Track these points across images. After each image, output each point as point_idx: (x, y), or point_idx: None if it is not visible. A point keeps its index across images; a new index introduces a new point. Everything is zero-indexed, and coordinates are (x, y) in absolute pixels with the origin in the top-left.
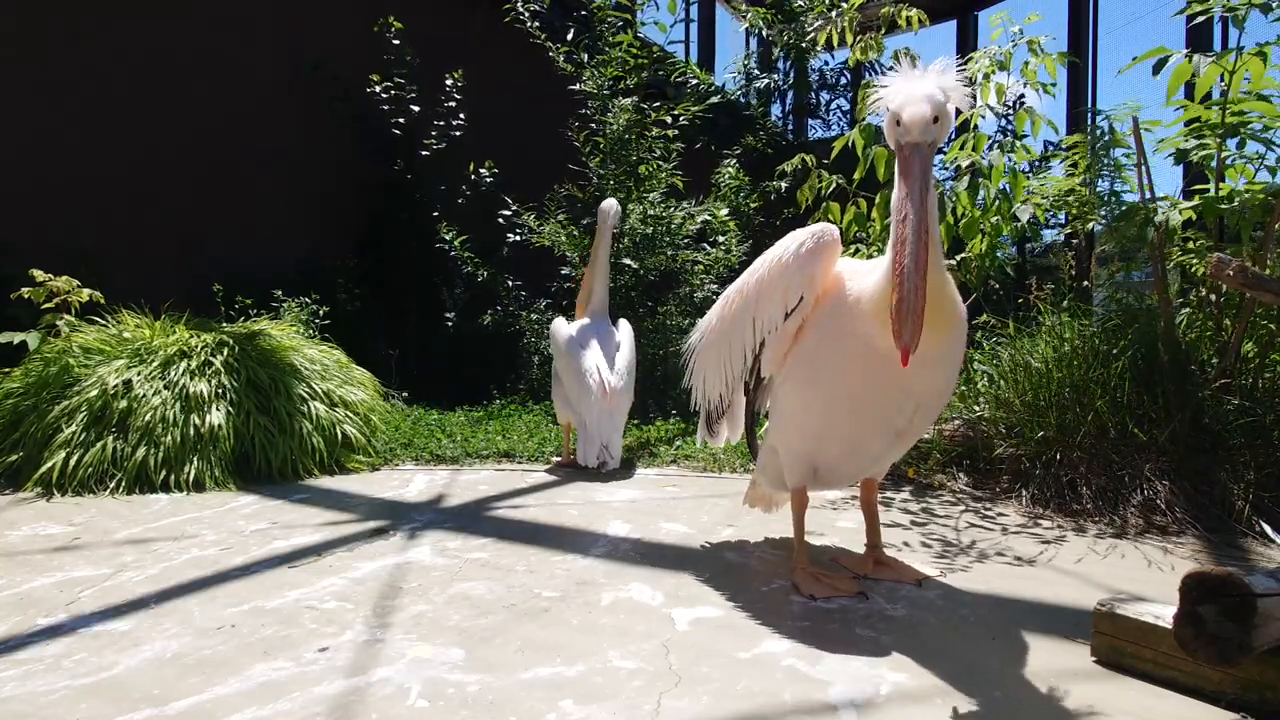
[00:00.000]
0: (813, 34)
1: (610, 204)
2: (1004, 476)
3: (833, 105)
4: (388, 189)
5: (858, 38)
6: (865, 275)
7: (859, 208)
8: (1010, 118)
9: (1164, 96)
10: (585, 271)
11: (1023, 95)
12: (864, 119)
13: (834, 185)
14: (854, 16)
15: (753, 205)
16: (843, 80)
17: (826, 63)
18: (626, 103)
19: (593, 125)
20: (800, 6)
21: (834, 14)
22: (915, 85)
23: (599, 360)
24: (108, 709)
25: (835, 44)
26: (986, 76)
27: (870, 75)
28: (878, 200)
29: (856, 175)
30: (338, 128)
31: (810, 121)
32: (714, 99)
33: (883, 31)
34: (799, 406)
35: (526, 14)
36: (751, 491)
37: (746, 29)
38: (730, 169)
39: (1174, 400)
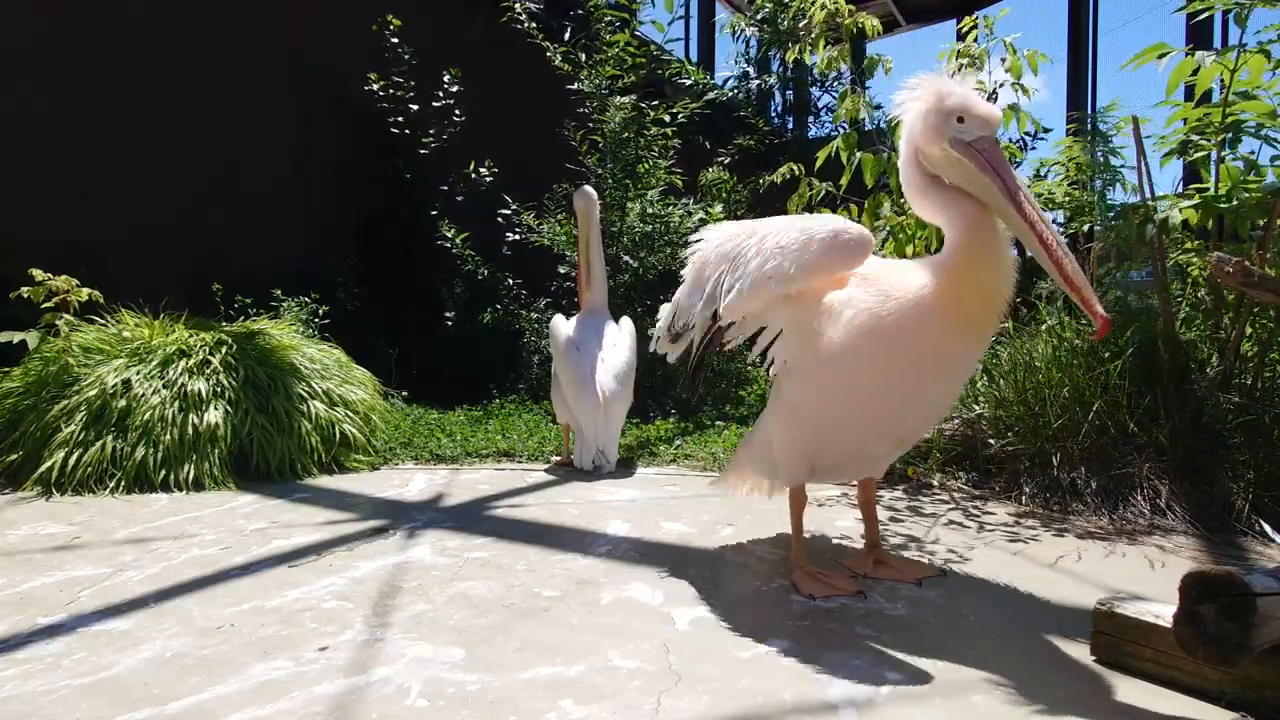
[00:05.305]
0: (798, 46)
1: (587, 190)
2: (1003, 475)
3: (822, 103)
4: (388, 188)
5: (827, 48)
6: (913, 272)
7: (850, 214)
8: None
9: (1162, 95)
10: (579, 265)
11: (997, 91)
12: (858, 116)
13: (823, 192)
14: (823, 28)
15: (743, 203)
16: (843, 69)
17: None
18: (624, 101)
19: (590, 124)
20: (784, 4)
21: (801, 25)
22: (962, 85)
23: (595, 363)
24: (108, 709)
25: (806, 56)
26: (961, 72)
27: (850, 81)
28: (867, 206)
29: (843, 181)
30: (338, 127)
31: (808, 117)
32: (711, 95)
33: (846, 45)
34: (810, 403)
35: (524, 14)
36: (732, 475)
37: (743, 29)
38: (714, 171)
39: (1173, 400)
